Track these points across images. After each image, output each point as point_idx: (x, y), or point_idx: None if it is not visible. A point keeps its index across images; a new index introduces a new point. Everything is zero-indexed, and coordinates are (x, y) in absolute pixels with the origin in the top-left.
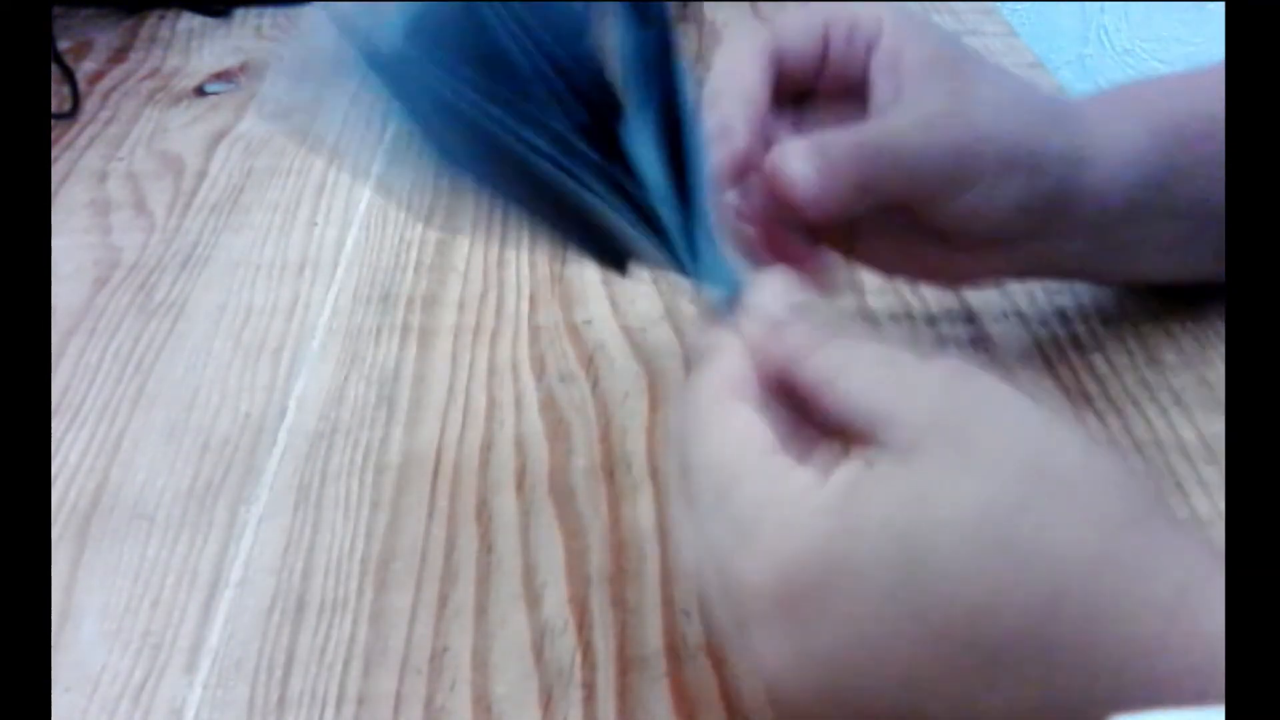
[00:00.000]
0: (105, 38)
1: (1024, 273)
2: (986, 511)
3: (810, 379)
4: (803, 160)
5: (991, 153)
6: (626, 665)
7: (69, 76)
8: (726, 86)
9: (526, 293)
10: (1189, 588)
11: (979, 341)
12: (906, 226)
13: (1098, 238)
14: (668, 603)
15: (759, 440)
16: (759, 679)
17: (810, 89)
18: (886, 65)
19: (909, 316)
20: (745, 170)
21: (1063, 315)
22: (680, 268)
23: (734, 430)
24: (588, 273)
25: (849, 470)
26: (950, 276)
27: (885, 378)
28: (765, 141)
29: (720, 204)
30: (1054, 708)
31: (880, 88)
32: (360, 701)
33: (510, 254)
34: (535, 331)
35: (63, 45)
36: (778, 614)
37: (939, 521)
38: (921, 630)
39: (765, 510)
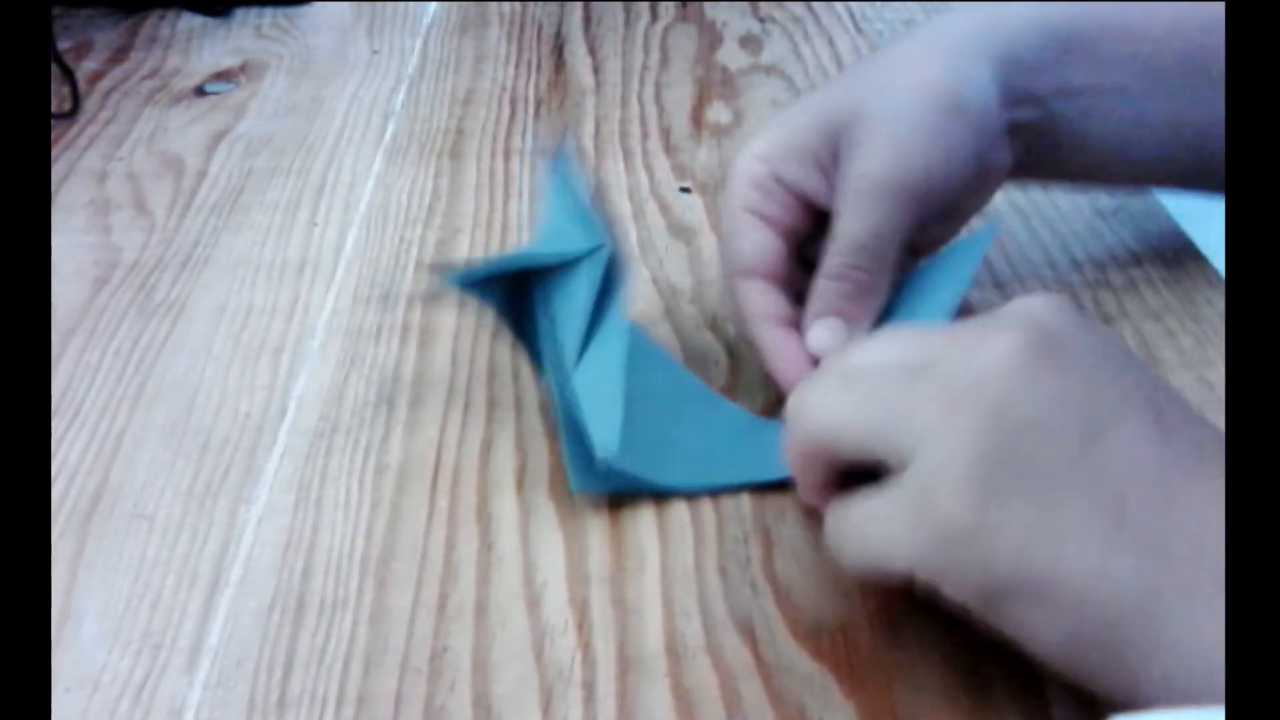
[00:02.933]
0: (105, 38)
1: None
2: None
3: None
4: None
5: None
6: (626, 665)
7: (69, 76)
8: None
9: None
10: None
11: None
12: None
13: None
14: (668, 603)
15: None
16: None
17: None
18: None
19: None
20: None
21: None
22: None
23: None
24: None
25: None
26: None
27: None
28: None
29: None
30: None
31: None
32: (360, 701)
33: None
34: None
35: (63, 45)
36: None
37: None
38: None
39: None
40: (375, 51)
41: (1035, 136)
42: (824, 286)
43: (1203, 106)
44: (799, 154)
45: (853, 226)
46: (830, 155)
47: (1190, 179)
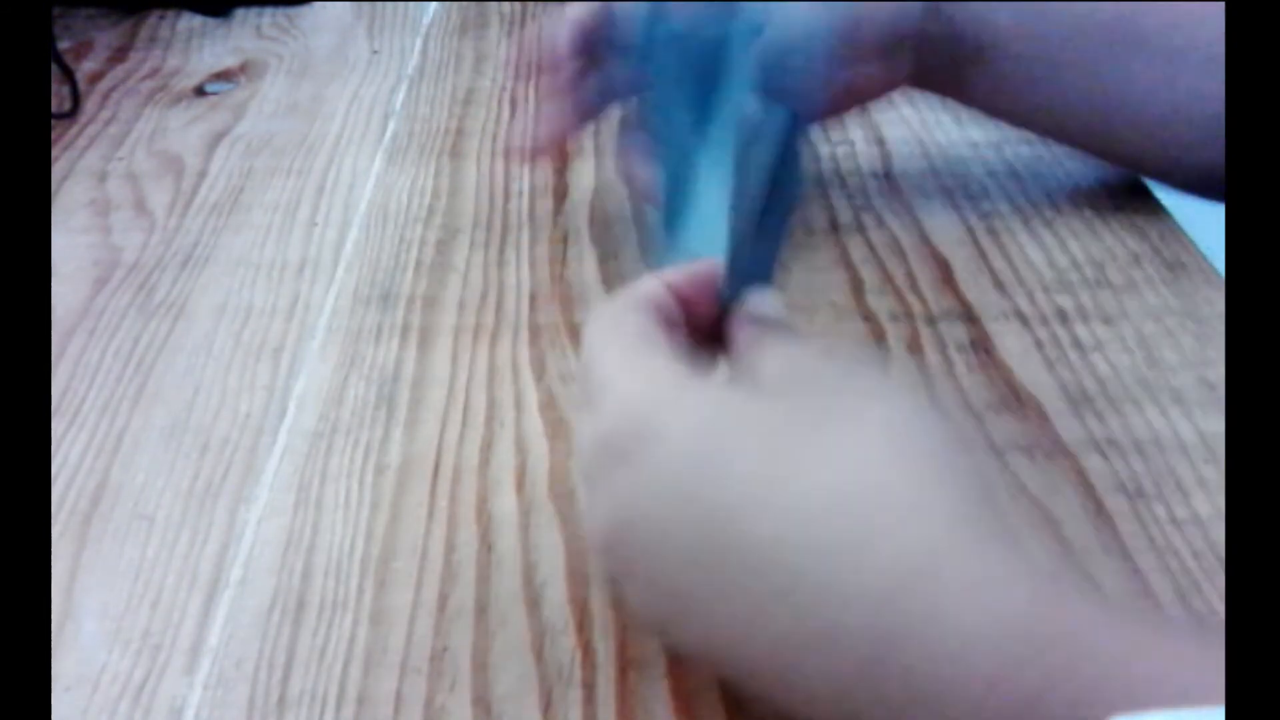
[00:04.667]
0: (105, 38)
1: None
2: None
3: (740, 335)
4: None
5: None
6: (626, 665)
7: (69, 76)
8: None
9: (526, 293)
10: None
11: (979, 341)
12: None
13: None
14: None
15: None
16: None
17: None
18: None
19: (909, 316)
20: None
21: (1062, 315)
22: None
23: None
24: (587, 273)
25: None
26: (859, 94)
27: (791, 350)
28: None
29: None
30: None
31: None
32: (360, 701)
33: (510, 254)
34: (535, 331)
35: (63, 45)
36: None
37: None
38: None
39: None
40: (375, 51)
41: (933, 55)
42: None
43: (1120, 77)
44: None
45: None
46: None
47: (1093, 145)
